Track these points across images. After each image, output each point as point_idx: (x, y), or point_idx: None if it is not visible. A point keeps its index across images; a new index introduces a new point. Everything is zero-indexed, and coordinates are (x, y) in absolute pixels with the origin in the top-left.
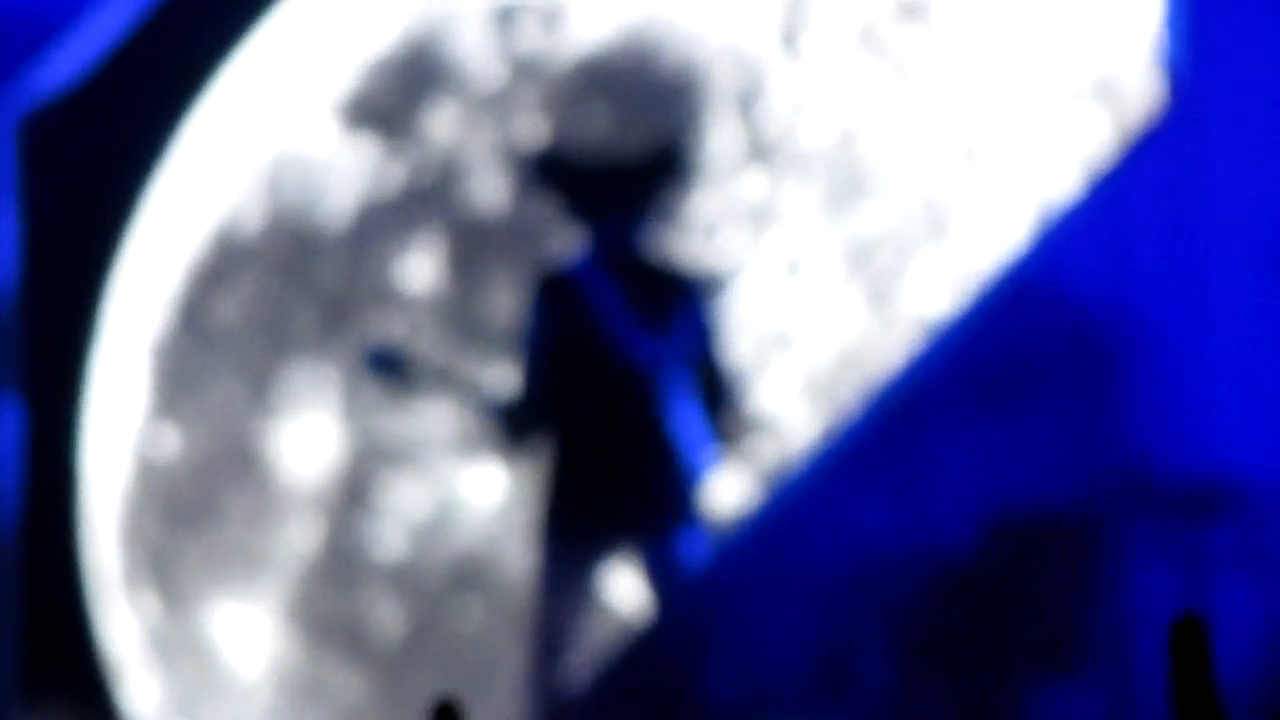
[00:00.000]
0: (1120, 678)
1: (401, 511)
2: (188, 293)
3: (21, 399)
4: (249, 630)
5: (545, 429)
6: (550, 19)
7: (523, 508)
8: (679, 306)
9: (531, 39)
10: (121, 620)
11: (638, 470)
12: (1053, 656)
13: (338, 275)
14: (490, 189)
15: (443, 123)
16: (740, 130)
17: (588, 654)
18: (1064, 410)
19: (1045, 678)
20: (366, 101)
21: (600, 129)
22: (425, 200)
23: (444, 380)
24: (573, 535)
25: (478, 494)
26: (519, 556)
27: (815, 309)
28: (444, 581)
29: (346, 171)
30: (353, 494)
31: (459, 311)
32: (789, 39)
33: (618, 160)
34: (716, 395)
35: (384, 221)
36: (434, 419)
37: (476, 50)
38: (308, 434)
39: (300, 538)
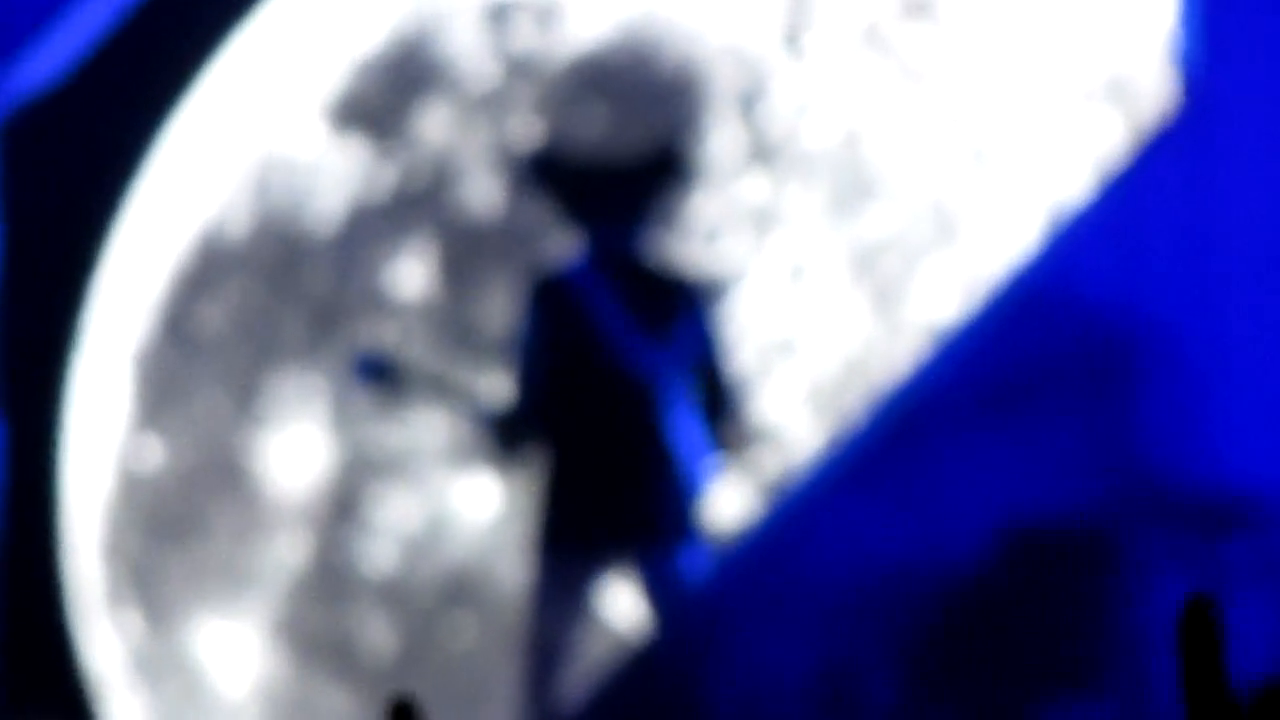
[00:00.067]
0: (1135, 693)
1: (392, 525)
2: (172, 299)
3: (0, 409)
4: (235, 648)
5: (541, 439)
6: (545, 17)
7: (517, 521)
8: (679, 313)
9: (526, 37)
10: (104, 638)
11: (636, 482)
12: (1065, 673)
13: (326, 281)
14: (484, 192)
15: (435, 124)
16: (742, 131)
17: (584, 672)
18: (1076, 419)
19: (1058, 694)
20: (356, 102)
21: (597, 130)
22: (417, 204)
23: (436, 389)
24: (569, 549)
25: (471, 507)
26: (513, 571)
27: (819, 315)
28: (436, 597)
29: (335, 174)
30: (342, 507)
31: (451, 318)
32: (792, 37)
33: (615, 162)
34: (717, 405)
35: (374, 225)
36: (426, 429)
37: (469, 49)
38: (296, 445)
39: (288, 552)
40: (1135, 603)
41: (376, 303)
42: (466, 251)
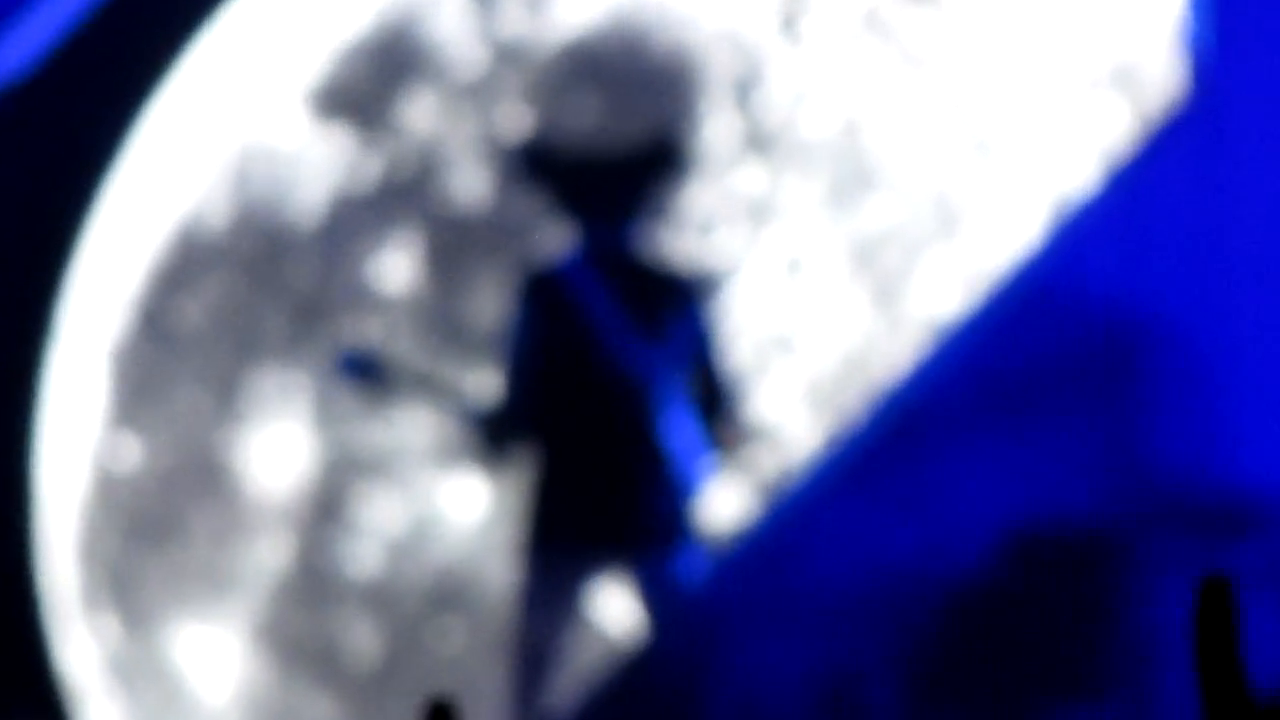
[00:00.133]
0: (1143, 701)
1: (377, 527)
2: (149, 294)
3: None
4: (215, 653)
5: (531, 438)
6: (535, 1)
7: (506, 522)
8: (673, 308)
9: (515, 23)
10: (80, 643)
11: (629, 482)
12: (1072, 680)
13: (309, 275)
14: (471, 183)
15: (421, 112)
16: (738, 120)
17: (575, 678)
18: (1082, 418)
19: (1064, 702)
20: (339, 90)
21: (589, 119)
22: (402, 195)
23: (422, 387)
24: (560, 552)
25: (458, 508)
26: (502, 574)
27: (818, 310)
28: (423, 601)
29: (318, 165)
30: (325, 508)
31: (438, 314)
32: (789, 23)
33: (607, 152)
34: (713, 402)
35: (358, 218)
36: (412, 428)
37: (456, 35)
38: (277, 444)
39: (270, 554)
40: (1143, 606)
41: (361, 297)
42: (454, 245)
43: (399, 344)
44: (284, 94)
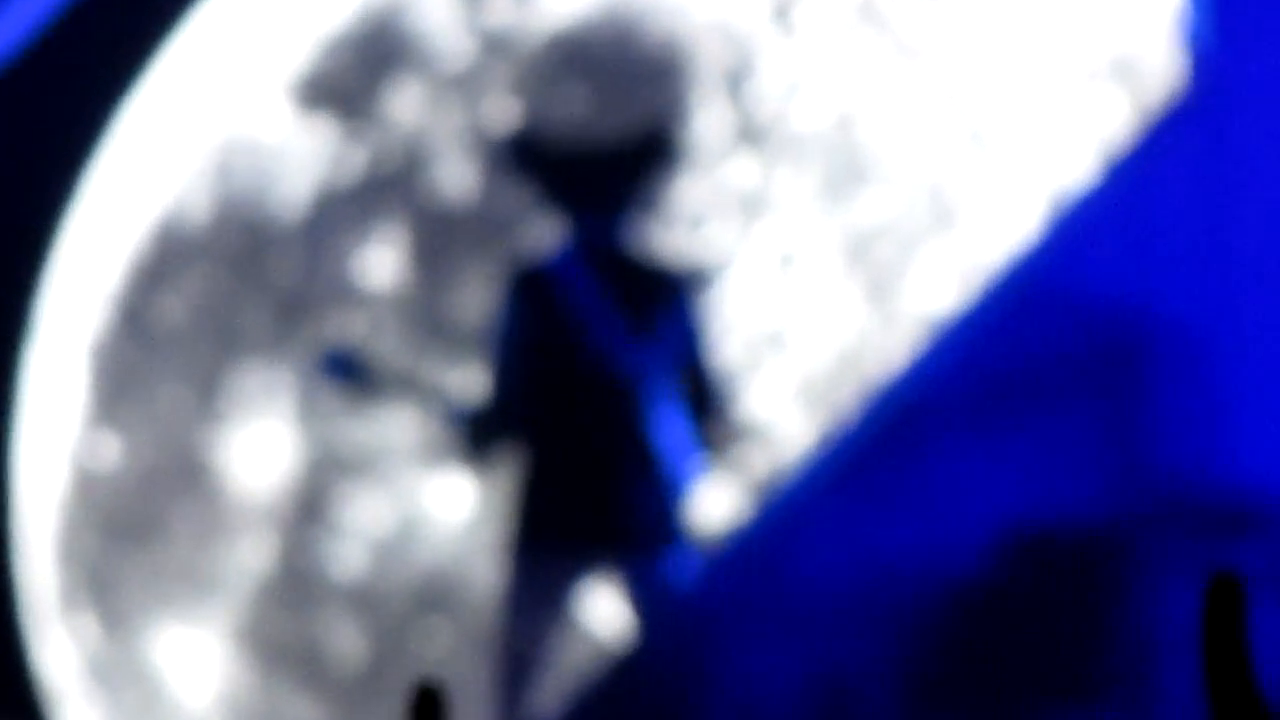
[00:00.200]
0: (1144, 701)
1: (361, 527)
2: (129, 289)
3: None
4: (196, 656)
5: (518, 437)
6: None
7: (493, 522)
8: (663, 304)
9: (502, 12)
10: (58, 645)
11: (618, 482)
12: (1072, 683)
13: (292, 270)
14: (458, 176)
15: (406, 104)
16: (729, 112)
17: (563, 681)
18: (1082, 417)
19: (1064, 704)
20: (323, 81)
21: (578, 111)
22: (387, 188)
23: (407, 385)
24: (547, 553)
25: (444, 508)
26: (489, 575)
27: (811, 306)
28: (408, 603)
29: (301, 157)
30: (309, 508)
31: (424, 310)
32: (782, 13)
33: (597, 145)
34: (704, 400)
35: (342, 212)
36: (396, 427)
37: (443, 25)
38: (260, 443)
39: (252, 555)
40: (1143, 606)
41: (345, 293)
42: (440, 239)
43: (384, 341)
44: (267, 85)
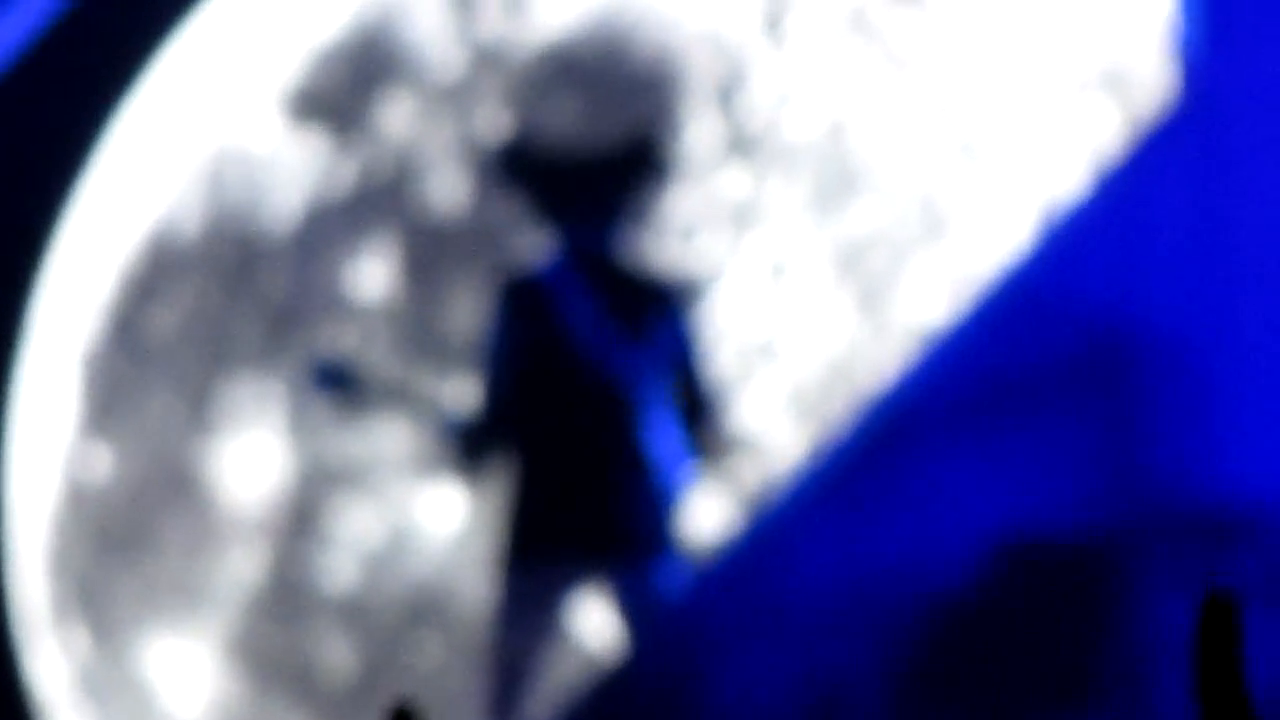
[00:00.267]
0: (1138, 711)
1: (352, 539)
2: (121, 301)
3: None
4: (187, 667)
5: (509, 448)
6: (513, 3)
7: (484, 534)
8: (654, 314)
9: (493, 24)
10: (49, 657)
11: (609, 493)
12: (1064, 693)
13: (283, 282)
14: (449, 188)
15: (398, 116)
16: (720, 123)
17: (554, 693)
18: (1073, 426)
19: (1057, 713)
20: (315, 93)
21: (569, 122)
22: (379, 200)
23: (399, 396)
24: (538, 564)
25: (435, 520)
26: (480, 587)
27: (802, 316)
28: (398, 615)
29: (293, 169)
30: (300, 520)
31: (415, 321)
32: (773, 24)
33: (588, 156)
34: (695, 410)
35: (334, 224)
36: (388, 438)
37: (434, 37)
38: (251, 454)
39: (243, 567)
40: (1136, 619)
41: (336, 305)
42: (431, 251)
43: (375, 352)
44: (259, 97)
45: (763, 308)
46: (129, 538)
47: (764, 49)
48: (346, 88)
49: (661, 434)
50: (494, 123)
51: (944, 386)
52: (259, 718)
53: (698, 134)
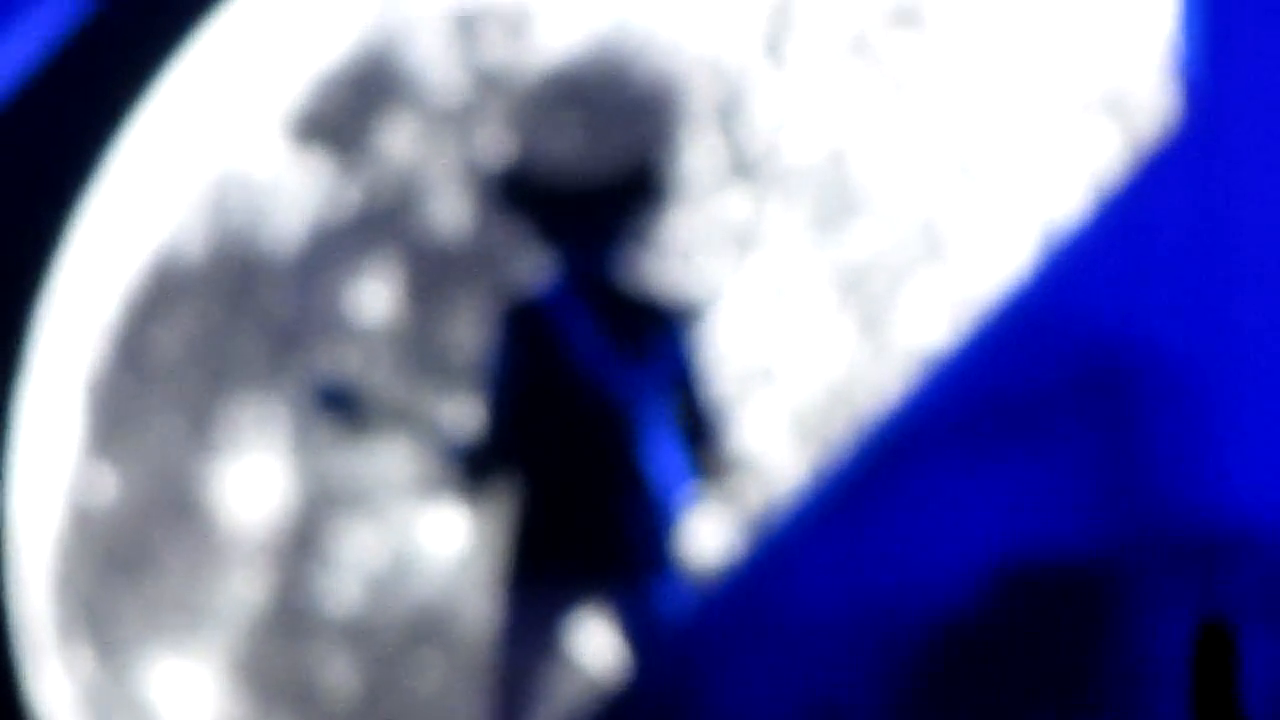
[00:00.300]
0: None
1: (355, 561)
2: (124, 324)
3: None
4: (191, 688)
5: (510, 470)
6: (516, 27)
7: (486, 556)
8: (655, 336)
9: (496, 49)
10: (53, 678)
11: (611, 514)
12: (1064, 713)
13: (286, 305)
14: (451, 210)
15: (400, 139)
16: (721, 146)
17: (556, 715)
18: (1074, 450)
19: None
20: (317, 116)
21: (570, 145)
22: (381, 223)
23: (401, 418)
24: (540, 585)
25: (437, 541)
26: (482, 608)
27: (802, 339)
28: (401, 636)
29: (296, 192)
30: (302, 541)
31: (418, 343)
32: (773, 48)
33: (589, 179)
34: (696, 432)
35: (337, 246)
36: (390, 460)
37: (436, 61)
38: (254, 476)
39: (246, 589)
40: (1137, 638)
41: (339, 327)
42: (433, 273)
43: (378, 374)
44: (262, 121)
45: (763, 330)
46: (133, 559)
47: (764, 73)
48: (349, 111)
49: (663, 455)
50: (496, 146)
51: (944, 408)
52: None
53: (698, 157)
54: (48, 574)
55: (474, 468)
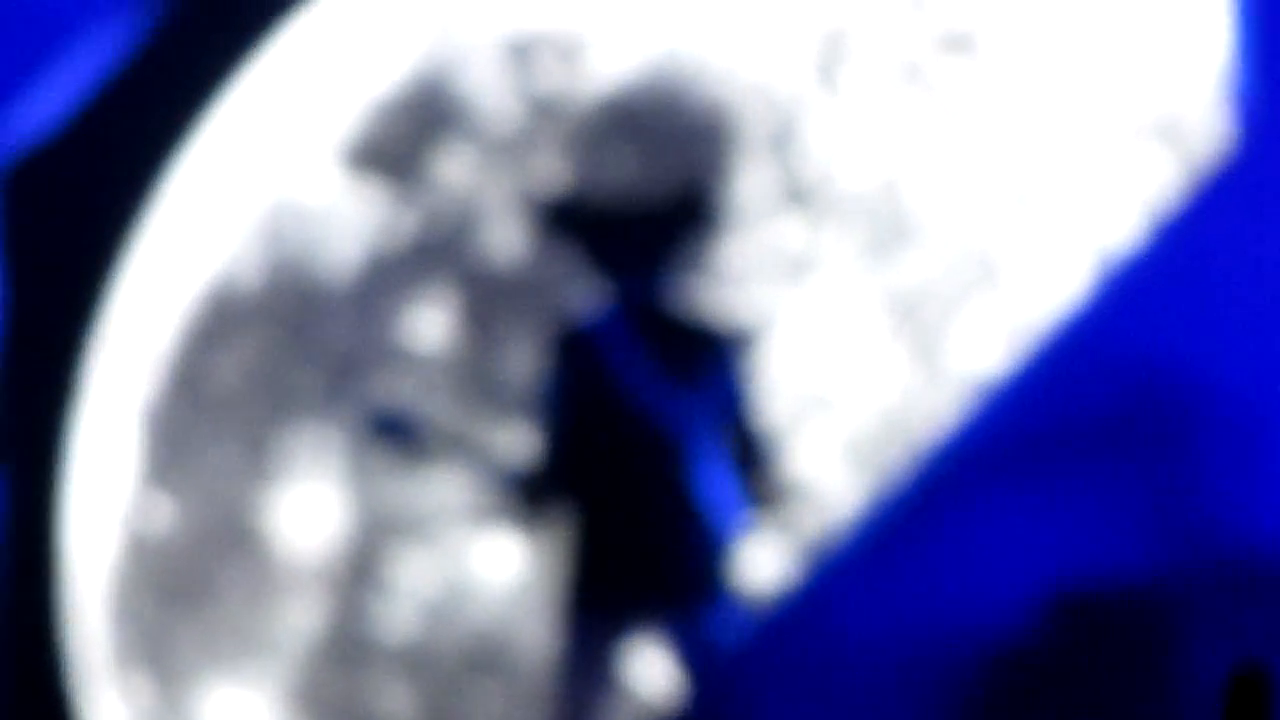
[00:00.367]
0: None
1: (411, 588)
2: (180, 352)
3: (2, 468)
4: (247, 716)
5: (565, 498)
6: (570, 54)
7: (541, 583)
8: (709, 363)
9: (550, 76)
10: (110, 707)
11: (665, 541)
12: None
13: (342, 333)
14: (507, 238)
15: (455, 167)
16: (774, 173)
17: None
18: (1128, 479)
19: None
20: (373, 145)
21: (625, 173)
22: (436, 251)
23: (456, 446)
24: (595, 613)
25: (493, 569)
26: (538, 636)
27: (856, 366)
28: (458, 664)
29: (351, 221)
30: (359, 569)
31: (473, 371)
32: (826, 75)
33: (643, 206)
34: (749, 459)
35: (392, 275)
36: (446, 488)
37: (491, 89)
38: (310, 504)
39: (302, 617)
40: (1193, 676)
41: (394, 355)
42: (488, 301)
43: (433, 402)
44: (316, 150)
45: (817, 357)
46: (189, 587)
47: (818, 99)
48: (403, 139)
49: (716, 482)
50: (551, 174)
51: (999, 436)
52: None
53: (752, 184)
54: (104, 602)
55: (529, 495)
